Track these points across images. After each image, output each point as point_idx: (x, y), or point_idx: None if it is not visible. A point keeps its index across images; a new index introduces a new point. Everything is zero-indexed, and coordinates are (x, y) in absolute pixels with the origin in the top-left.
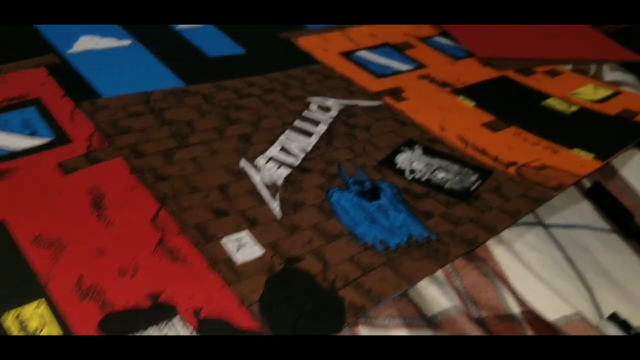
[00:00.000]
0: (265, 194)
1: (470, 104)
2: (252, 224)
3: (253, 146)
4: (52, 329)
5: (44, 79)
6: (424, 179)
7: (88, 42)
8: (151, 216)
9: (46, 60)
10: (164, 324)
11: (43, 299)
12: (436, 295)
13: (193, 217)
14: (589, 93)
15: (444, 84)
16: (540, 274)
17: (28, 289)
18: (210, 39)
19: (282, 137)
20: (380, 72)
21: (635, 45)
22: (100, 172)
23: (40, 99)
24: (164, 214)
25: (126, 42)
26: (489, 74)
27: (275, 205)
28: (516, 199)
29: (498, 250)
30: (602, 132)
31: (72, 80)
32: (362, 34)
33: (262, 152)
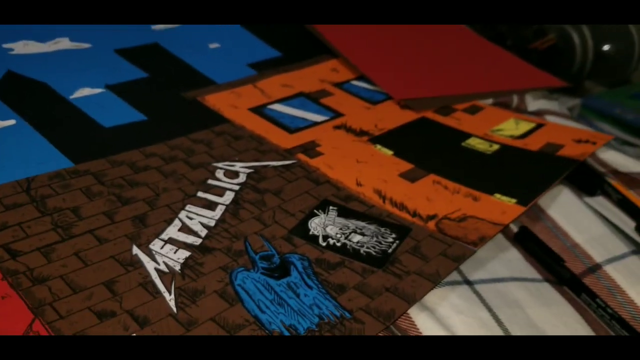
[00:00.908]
0: (159, 284)
1: (387, 152)
2: (142, 325)
3: (148, 228)
4: None
5: None
6: (339, 244)
7: None
8: (24, 329)
9: None
10: None
11: None
12: None
13: (72, 325)
14: (510, 128)
15: (361, 133)
16: None
17: None
18: (106, 108)
19: (181, 214)
20: (294, 126)
21: (564, 62)
22: None
23: None
24: (38, 326)
25: (10, 122)
26: (408, 116)
27: (170, 298)
28: (436, 259)
29: (420, 318)
30: (525, 172)
31: None
32: (274, 85)
33: (158, 234)
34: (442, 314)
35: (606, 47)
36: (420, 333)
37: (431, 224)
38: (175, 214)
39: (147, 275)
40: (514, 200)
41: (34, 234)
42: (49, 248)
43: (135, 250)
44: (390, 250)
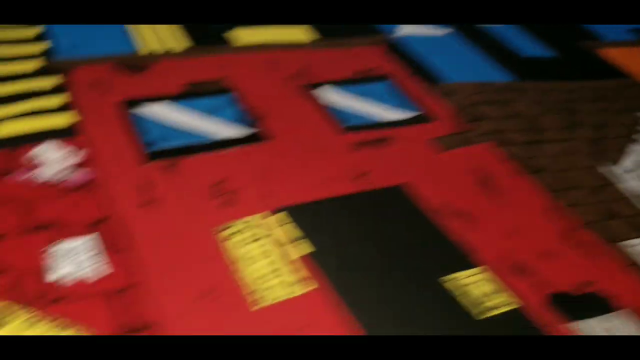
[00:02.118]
0: None
1: None
2: None
3: (607, 153)
4: (501, 299)
5: (385, 57)
6: None
7: (409, 29)
8: (544, 206)
9: (378, 39)
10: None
11: (481, 268)
12: None
13: (584, 214)
14: None
15: None
16: None
17: (457, 256)
18: (518, 39)
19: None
20: None
21: None
22: (477, 153)
23: (389, 75)
24: (557, 205)
25: (445, 31)
26: None
27: None
28: None
29: None
30: None
31: (409, 61)
32: None
33: (617, 160)
34: None
35: None
36: None
37: None
38: (624, 147)
39: (625, 192)
40: None
41: (513, 130)
42: (532, 144)
43: (607, 168)
44: None
